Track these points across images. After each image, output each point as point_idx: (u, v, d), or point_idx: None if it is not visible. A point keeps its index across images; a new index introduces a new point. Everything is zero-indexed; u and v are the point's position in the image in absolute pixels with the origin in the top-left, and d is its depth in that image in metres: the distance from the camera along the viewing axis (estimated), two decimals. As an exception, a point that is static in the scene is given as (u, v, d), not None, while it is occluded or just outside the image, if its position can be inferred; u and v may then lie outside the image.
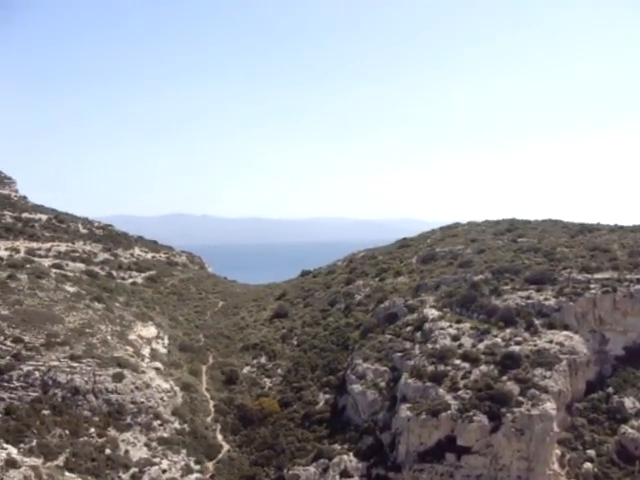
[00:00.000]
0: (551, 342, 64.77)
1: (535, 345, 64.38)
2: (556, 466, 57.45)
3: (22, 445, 54.38)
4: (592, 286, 71.90)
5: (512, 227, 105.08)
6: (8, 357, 64.08)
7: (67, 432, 58.92)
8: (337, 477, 59.43)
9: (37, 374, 63.09)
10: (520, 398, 58.12)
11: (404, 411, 60.15)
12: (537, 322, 67.87)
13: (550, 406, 57.64)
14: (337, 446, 63.39)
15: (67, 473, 51.47)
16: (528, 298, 71.52)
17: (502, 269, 78.97)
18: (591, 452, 60.38)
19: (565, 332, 66.61)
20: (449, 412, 58.05)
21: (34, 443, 55.88)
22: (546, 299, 70.77)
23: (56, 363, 64.91)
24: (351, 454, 61.59)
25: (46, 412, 59.95)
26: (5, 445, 48.86)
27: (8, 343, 66.16)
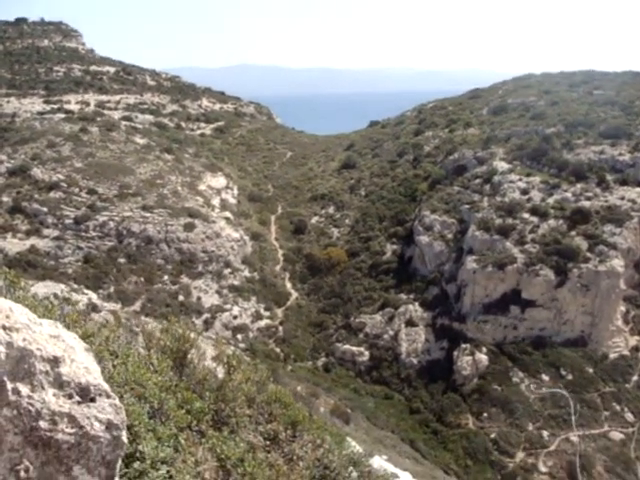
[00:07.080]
0: (623, 199, 63.12)
1: (606, 201, 62.94)
2: (620, 322, 57.52)
3: (101, 291, 56.98)
4: (670, 141, 69.13)
5: (588, 79, 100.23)
6: (84, 208, 66.35)
7: (142, 279, 61.52)
8: (402, 326, 60.97)
9: (112, 224, 65.30)
10: (588, 254, 57.66)
11: (470, 263, 60.51)
12: (609, 178, 65.90)
13: (618, 263, 57.11)
14: (403, 296, 64.66)
15: (143, 317, 54.01)
16: (601, 153, 69.16)
17: (576, 122, 76.17)
18: (657, 309, 60.16)
19: (638, 189, 64.59)
20: (515, 265, 58.14)
21: (112, 289, 58.65)
22: (620, 154, 68.38)
23: (129, 214, 66.89)
24: (417, 304, 62.83)
25: (122, 260, 62.46)
26: (85, 291, 51.37)
27: (83, 195, 68.28)
